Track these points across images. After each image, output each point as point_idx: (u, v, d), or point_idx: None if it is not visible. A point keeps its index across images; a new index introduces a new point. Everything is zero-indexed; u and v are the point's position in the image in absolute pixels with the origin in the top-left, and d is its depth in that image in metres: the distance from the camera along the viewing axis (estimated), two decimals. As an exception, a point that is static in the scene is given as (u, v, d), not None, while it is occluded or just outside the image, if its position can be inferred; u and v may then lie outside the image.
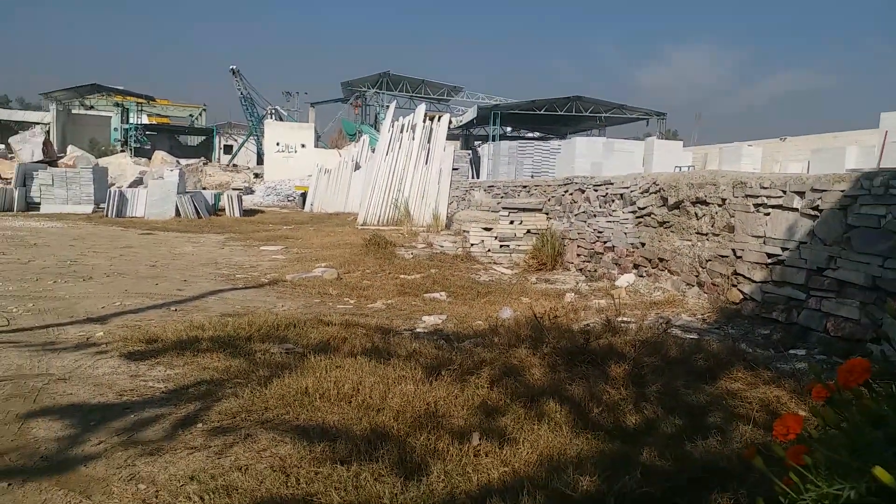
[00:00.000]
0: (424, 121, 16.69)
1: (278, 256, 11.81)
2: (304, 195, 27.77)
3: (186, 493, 2.64)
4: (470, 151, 32.49)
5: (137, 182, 22.71)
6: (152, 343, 5.11)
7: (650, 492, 2.58)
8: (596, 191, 9.96)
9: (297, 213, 25.76)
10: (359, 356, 4.63)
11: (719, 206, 7.05)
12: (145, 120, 55.19)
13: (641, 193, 8.52)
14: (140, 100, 53.99)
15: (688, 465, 2.84)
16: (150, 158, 42.36)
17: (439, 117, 16.98)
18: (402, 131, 16.72)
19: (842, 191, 5.68)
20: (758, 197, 6.54)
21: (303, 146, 39.86)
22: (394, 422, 3.32)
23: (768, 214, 6.44)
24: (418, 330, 6.20)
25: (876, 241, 5.24)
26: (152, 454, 3.05)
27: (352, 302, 7.65)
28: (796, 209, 6.12)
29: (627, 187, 8.92)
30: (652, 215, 8.27)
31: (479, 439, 3.09)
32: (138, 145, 49.96)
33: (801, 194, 6.09)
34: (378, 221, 16.18)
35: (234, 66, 47.76)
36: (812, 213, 5.95)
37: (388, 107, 23.11)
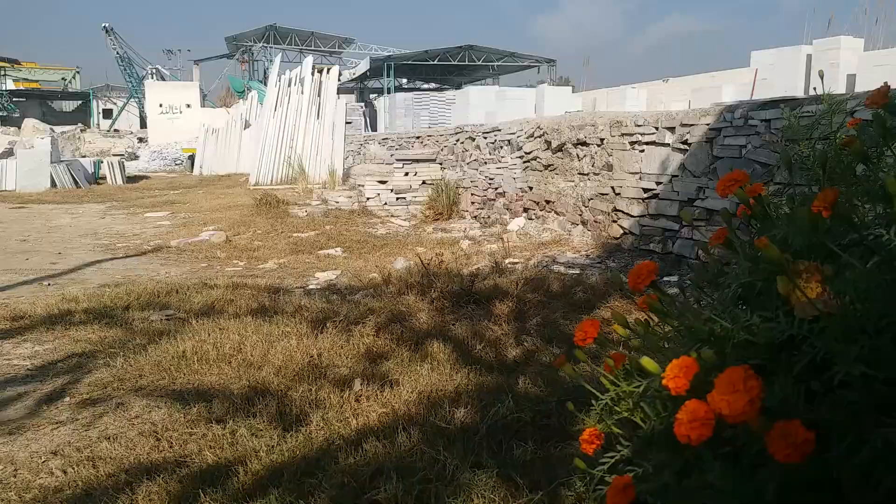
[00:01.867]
0: (313, 74, 16.13)
1: (164, 223, 11.23)
2: (192, 158, 26.39)
3: (49, 468, 2.51)
4: (363, 104, 31.87)
5: (7, 153, 20.71)
6: (18, 320, 4.76)
7: (521, 416, 2.70)
8: (485, 138, 10.06)
9: (186, 176, 24.49)
10: (243, 316, 4.52)
11: (598, 146, 7.31)
12: (11, 86, 50.06)
13: (527, 138, 8.69)
14: (2, 63, 48.85)
15: (558, 389, 2.98)
16: (19, 127, 38.69)
17: (328, 70, 16.47)
18: (289, 86, 16.11)
19: (707, 124, 6.02)
20: (633, 135, 6.82)
21: (188, 106, 37.67)
22: (275, 377, 3.28)
23: (643, 151, 6.74)
24: (311, 287, 6.12)
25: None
26: (12, 433, 2.87)
27: (241, 264, 7.42)
28: (668, 144, 6.43)
29: (514, 133, 9.06)
30: (537, 159, 8.46)
31: (361, 385, 3.11)
32: (5, 113, 45.47)
33: (671, 130, 6.40)
34: (271, 181, 15.66)
35: (107, 24, 44.03)
36: (682, 147, 6.28)
37: (274, 61, 22.13)
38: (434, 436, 2.57)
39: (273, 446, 2.56)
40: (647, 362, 0.91)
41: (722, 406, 0.71)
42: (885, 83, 0.97)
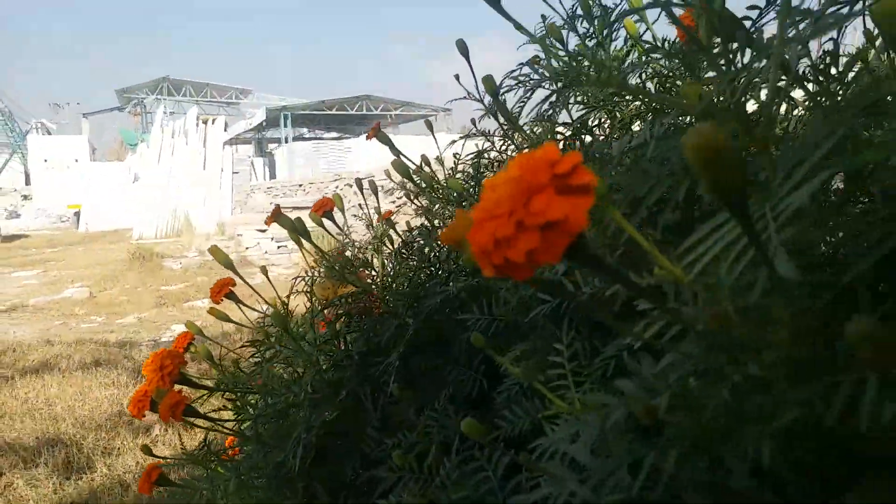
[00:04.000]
0: (198, 124, 16.03)
1: (30, 282, 10.73)
2: (78, 214, 25.27)
3: None
4: (250, 156, 31.73)
5: None
6: None
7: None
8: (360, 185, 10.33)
9: (70, 233, 23.39)
10: (73, 371, 4.48)
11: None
12: None
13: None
14: None
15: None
16: None
17: (213, 120, 16.41)
18: (174, 136, 15.92)
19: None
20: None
21: (76, 161, 36.11)
22: (73, 428, 3.29)
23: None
24: (164, 339, 6.08)
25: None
26: None
27: (99, 320, 7.24)
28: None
29: (385, 179, 9.39)
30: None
31: (160, 430, 3.18)
32: None
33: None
34: (156, 234, 15.29)
35: (-16, 77, 41.83)
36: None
37: (169, 113, 21.79)
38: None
39: (47, 495, 2.59)
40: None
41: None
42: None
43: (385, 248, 1.29)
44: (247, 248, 11.06)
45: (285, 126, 31.15)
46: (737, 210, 0.28)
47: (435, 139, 1.65)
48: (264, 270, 1.17)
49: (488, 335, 0.95)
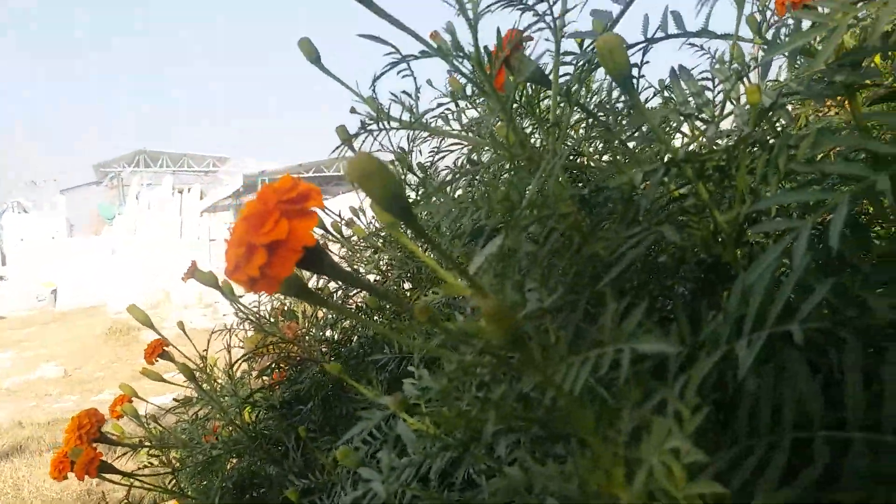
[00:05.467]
0: (173, 194, 16.13)
1: (4, 364, 10.53)
2: (55, 292, 24.96)
3: None
4: (228, 222, 31.78)
5: None
6: None
7: None
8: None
9: (47, 312, 23.05)
10: (44, 453, 4.40)
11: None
12: None
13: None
14: None
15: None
16: None
17: (189, 189, 16.53)
18: (149, 208, 15.97)
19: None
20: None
21: (53, 238, 35.91)
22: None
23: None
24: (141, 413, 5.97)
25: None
26: None
27: (74, 398, 7.11)
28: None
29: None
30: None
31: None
32: None
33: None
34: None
35: (-43, 159, 41.77)
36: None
37: (146, 184, 21.90)
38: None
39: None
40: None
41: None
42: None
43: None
44: (224, 315, 10.98)
45: (263, 190, 31.38)
46: (405, 218, 0.34)
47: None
48: (181, 325, 1.21)
49: (399, 371, 1.00)
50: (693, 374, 0.33)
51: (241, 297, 1.40)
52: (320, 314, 1.33)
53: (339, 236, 1.39)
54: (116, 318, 12.23)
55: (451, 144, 0.77)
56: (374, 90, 0.72)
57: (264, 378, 1.21)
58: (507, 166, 0.53)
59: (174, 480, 1.00)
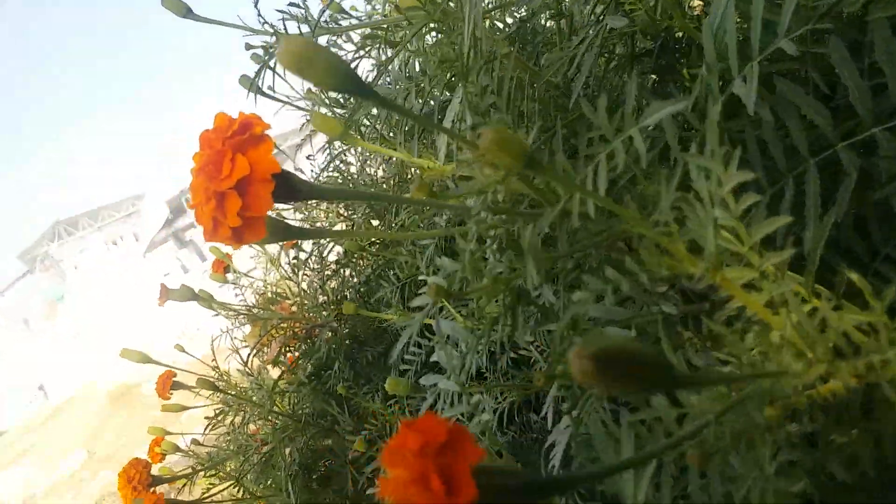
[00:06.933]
0: (108, 249, 15.55)
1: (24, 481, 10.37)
2: (42, 388, 24.30)
3: None
4: (175, 253, 31.02)
5: None
6: None
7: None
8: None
9: (43, 408, 22.53)
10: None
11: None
12: None
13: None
14: None
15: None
16: None
17: (121, 237, 15.94)
18: (93, 271, 15.41)
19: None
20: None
21: (8, 338, 34.63)
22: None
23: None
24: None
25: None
26: None
27: (109, 473, 7.06)
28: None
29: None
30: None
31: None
32: None
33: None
34: (122, 371, 14.89)
35: None
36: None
37: (80, 251, 21.07)
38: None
39: None
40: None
41: None
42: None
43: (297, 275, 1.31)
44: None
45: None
46: (365, 94, 0.31)
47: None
48: (179, 348, 1.18)
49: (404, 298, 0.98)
50: (709, 121, 0.32)
51: (220, 302, 1.36)
52: (304, 285, 1.30)
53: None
54: (112, 389, 12.04)
55: (367, 38, 0.73)
56: (259, 14, 0.68)
57: (281, 364, 1.19)
58: (429, 32, 0.50)
59: (241, 489, 0.99)
